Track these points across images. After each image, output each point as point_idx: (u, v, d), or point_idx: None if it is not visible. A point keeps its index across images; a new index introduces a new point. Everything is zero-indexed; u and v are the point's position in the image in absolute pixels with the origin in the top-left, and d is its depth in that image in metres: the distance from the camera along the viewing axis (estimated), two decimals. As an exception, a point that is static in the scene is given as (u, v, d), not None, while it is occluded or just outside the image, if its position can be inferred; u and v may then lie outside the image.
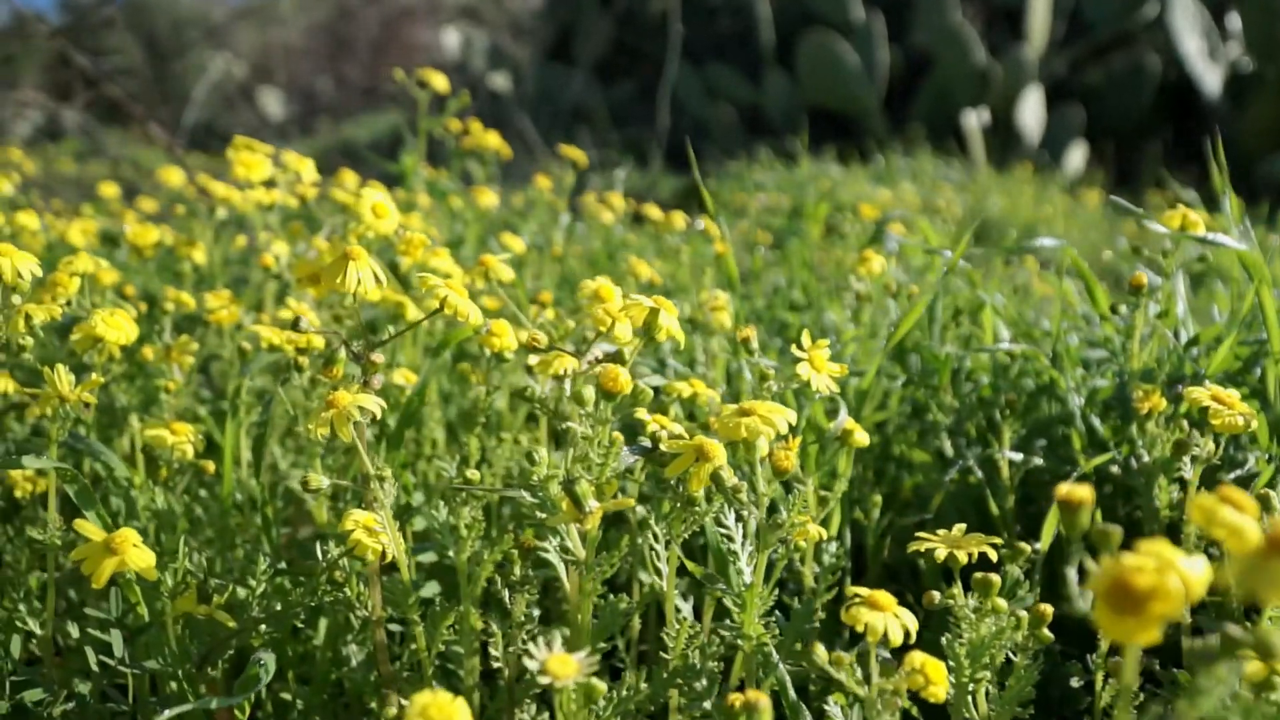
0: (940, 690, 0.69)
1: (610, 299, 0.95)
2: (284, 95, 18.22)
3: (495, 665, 0.93)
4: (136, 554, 0.77)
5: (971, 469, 1.23)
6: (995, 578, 0.78)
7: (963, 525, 0.86)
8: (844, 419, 1.03)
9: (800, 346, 0.95)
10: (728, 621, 0.84)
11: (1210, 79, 8.56)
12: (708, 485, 0.83)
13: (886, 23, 8.20)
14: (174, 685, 0.87)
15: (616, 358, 0.92)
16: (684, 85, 8.46)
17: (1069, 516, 0.55)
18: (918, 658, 0.70)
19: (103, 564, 0.76)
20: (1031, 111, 8.12)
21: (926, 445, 1.36)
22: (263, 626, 0.93)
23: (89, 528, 0.77)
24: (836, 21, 8.10)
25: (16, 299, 0.98)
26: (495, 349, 1.08)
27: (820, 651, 0.70)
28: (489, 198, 2.28)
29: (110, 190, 2.45)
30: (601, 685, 0.71)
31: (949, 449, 1.34)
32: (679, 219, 2.05)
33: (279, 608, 0.93)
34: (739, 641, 0.83)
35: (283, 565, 0.96)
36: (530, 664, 0.63)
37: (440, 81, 2.57)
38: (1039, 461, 1.21)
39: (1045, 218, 5.80)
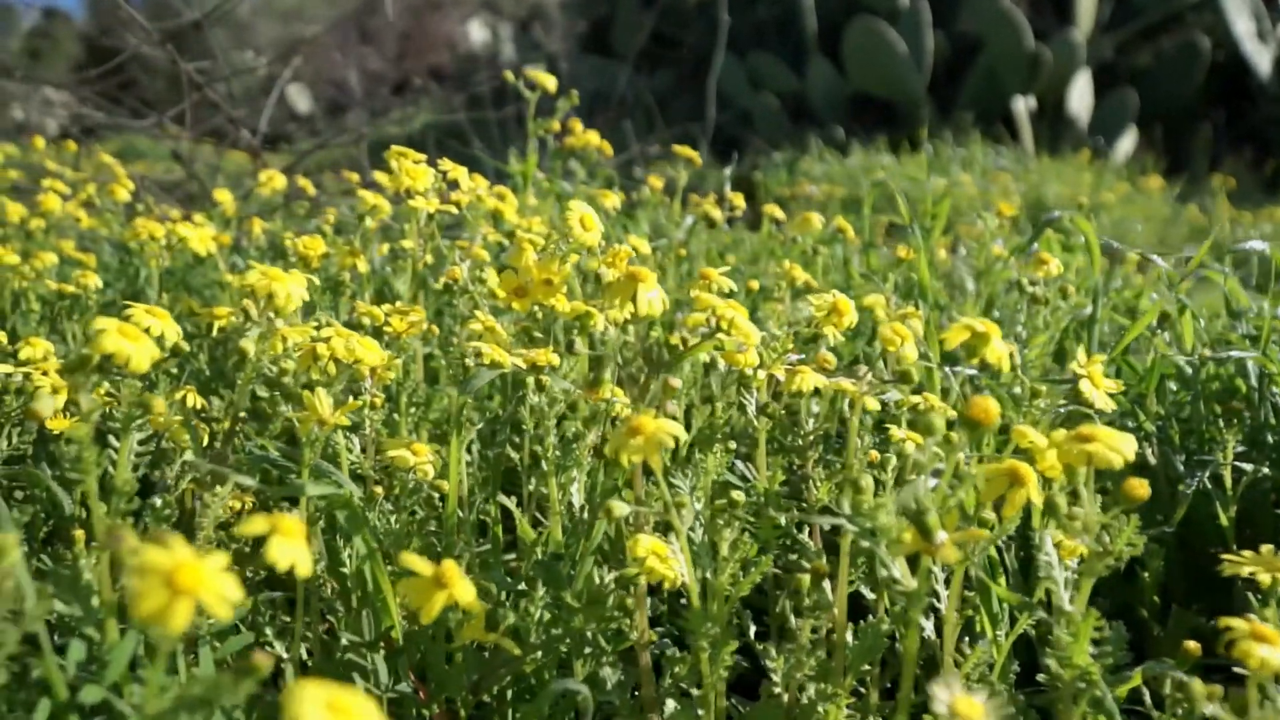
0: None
1: (880, 308, 0.93)
2: (310, 91, 18.25)
3: (775, 690, 0.92)
4: (463, 586, 0.76)
5: (1197, 480, 1.21)
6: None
7: (1270, 545, 0.85)
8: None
9: (1078, 362, 0.93)
10: (1048, 650, 0.82)
11: (1262, 60, 8.46)
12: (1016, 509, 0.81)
13: (931, 8, 8.13)
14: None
15: (905, 378, 0.91)
16: (727, 75, 8.41)
17: None
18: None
19: (433, 598, 0.75)
20: (1081, 96, 8.05)
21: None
22: (538, 653, 0.92)
23: (416, 561, 0.76)
24: (881, 8, 8.04)
25: (280, 322, 0.97)
26: (740, 365, 1.06)
27: (1199, 687, 0.68)
28: (611, 199, 2.27)
29: (224, 196, 2.44)
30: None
31: (1151, 458, 1.32)
32: (815, 220, 2.02)
33: (558, 633, 0.92)
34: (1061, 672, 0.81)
35: (564, 594, 0.95)
36: (938, 707, 0.62)
37: (550, 82, 2.56)
38: (1266, 471, 1.19)
39: (1105, 204, 5.74)
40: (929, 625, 1.09)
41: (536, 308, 1.30)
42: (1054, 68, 7.82)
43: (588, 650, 1.00)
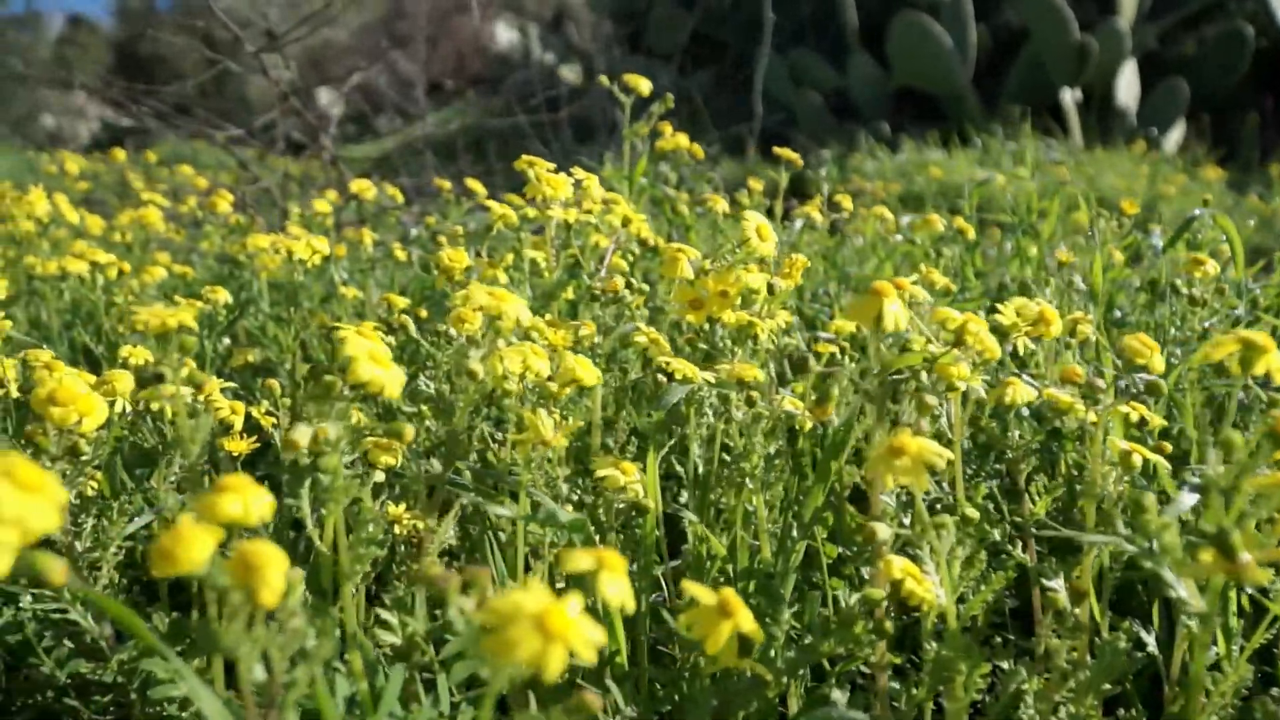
0: None
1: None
2: (340, 94, 18.32)
3: (1031, 714, 0.90)
4: (746, 614, 0.74)
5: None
6: None
7: None
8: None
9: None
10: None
11: (1307, 46, 8.37)
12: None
13: (972, 1, 8.06)
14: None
15: (1154, 390, 0.88)
16: (768, 72, 8.37)
17: None
18: None
19: (719, 626, 0.73)
20: (1128, 86, 7.97)
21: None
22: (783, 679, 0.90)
23: (699, 590, 0.74)
24: (922, 2, 7.99)
25: (501, 343, 0.95)
26: (949, 377, 1.04)
27: None
28: (720, 204, 2.25)
29: (324, 207, 2.44)
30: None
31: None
32: (937, 221, 2.00)
33: (803, 656, 0.90)
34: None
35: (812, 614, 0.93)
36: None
37: (644, 86, 2.54)
38: None
39: (1165, 196, 5.67)
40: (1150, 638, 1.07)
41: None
42: (1100, 58, 7.75)
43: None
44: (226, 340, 1.79)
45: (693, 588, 0.75)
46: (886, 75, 8.25)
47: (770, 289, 1.29)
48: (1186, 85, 7.77)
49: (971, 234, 2.06)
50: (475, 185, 2.65)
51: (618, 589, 0.64)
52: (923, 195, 5.71)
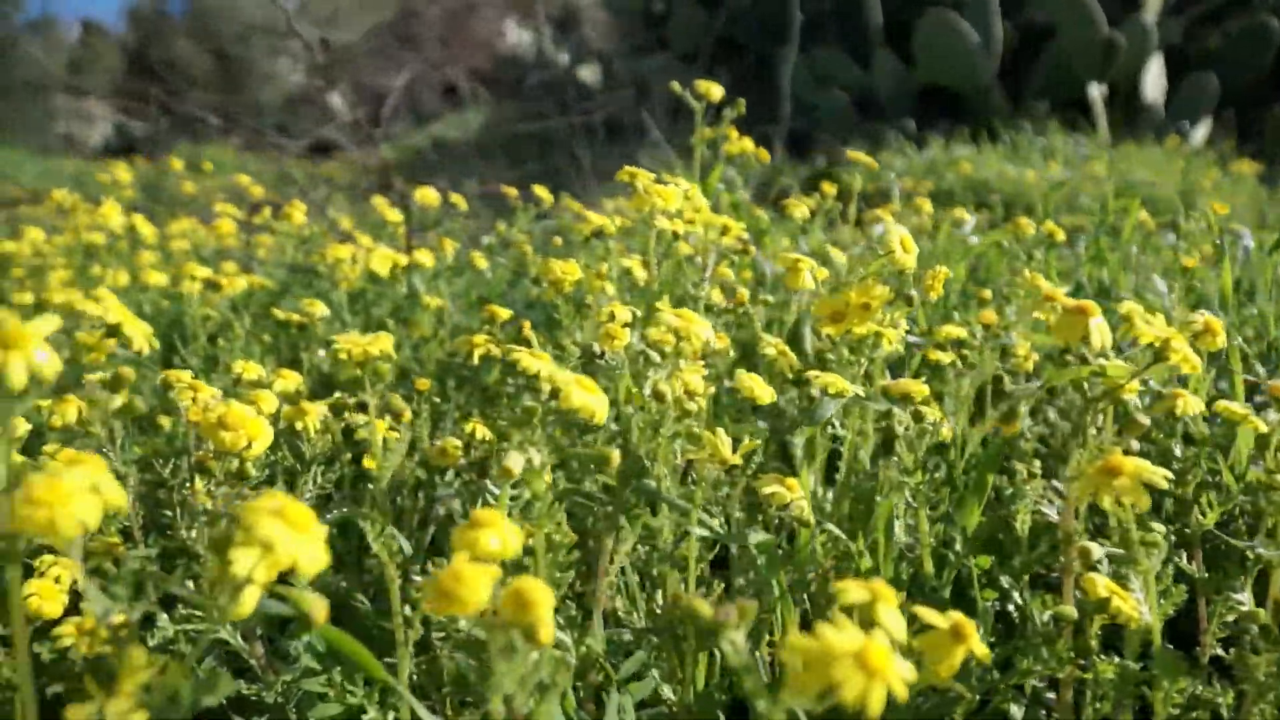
0: None
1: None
2: (353, 96, 18.29)
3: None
4: (976, 638, 0.74)
5: None
6: None
7: None
8: None
9: None
10: None
11: (1331, 38, 8.33)
12: None
13: (995, -3, 8.04)
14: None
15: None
16: (782, 71, 8.36)
17: None
18: None
19: (953, 651, 0.73)
20: (1154, 81, 7.94)
21: None
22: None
23: (931, 615, 0.74)
24: (947, -2, 7.97)
25: (681, 364, 0.95)
26: (1126, 391, 1.03)
27: None
28: (801, 209, 2.24)
29: (394, 216, 2.44)
30: None
31: None
32: (1027, 224, 1.98)
33: (1007, 674, 0.89)
34: None
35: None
36: None
37: (716, 91, 2.53)
38: None
39: (1202, 190, 5.65)
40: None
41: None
42: (1128, 53, 7.73)
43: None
44: (322, 352, 1.79)
45: (925, 613, 0.75)
46: (910, 73, 8.23)
47: (909, 300, 1.28)
48: (1215, 79, 7.74)
49: (1061, 235, 2.05)
50: (542, 192, 2.65)
51: (895, 619, 0.63)
52: (953, 191, 5.69)
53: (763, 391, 1.00)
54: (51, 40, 20.17)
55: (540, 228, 2.72)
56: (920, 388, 1.07)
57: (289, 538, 0.60)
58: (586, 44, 12.97)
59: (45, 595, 0.91)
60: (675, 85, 2.58)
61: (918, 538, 1.14)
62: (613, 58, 10.96)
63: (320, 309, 1.76)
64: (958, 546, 1.06)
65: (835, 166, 6.77)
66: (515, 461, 0.80)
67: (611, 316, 1.18)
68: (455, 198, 2.76)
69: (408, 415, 0.90)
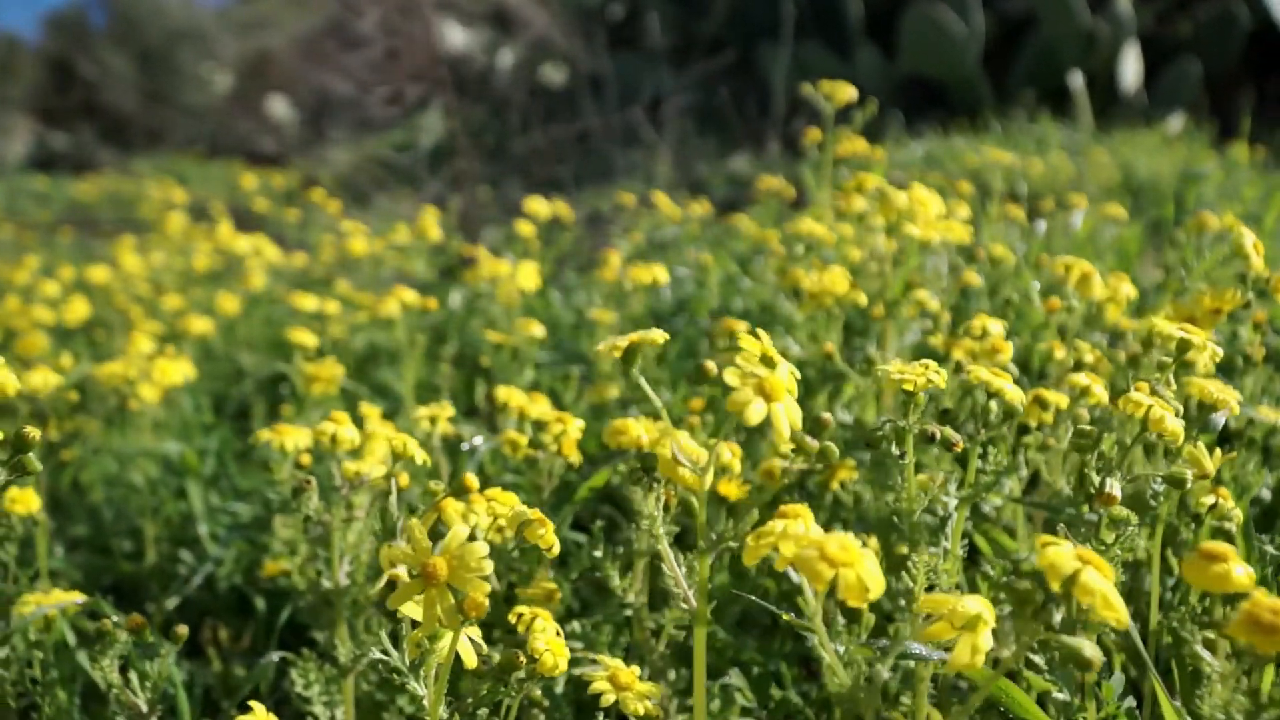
0: None
1: None
2: (292, 101, 17.89)
3: None
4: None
5: None
6: None
7: None
8: None
9: None
10: None
11: (1294, 25, 8.55)
12: None
13: (974, -12, 8.11)
14: None
15: None
16: (775, 66, 8.36)
17: None
18: None
19: None
20: (1132, 69, 8.08)
21: None
22: None
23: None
24: (927, -11, 8.01)
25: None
26: None
27: None
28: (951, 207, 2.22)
29: (527, 229, 2.37)
30: None
31: None
32: (1212, 218, 1.98)
33: None
34: None
35: None
36: None
37: (847, 93, 2.50)
38: None
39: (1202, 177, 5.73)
40: None
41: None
42: (1108, 41, 7.85)
43: None
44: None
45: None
46: (892, 65, 8.28)
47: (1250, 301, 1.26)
48: (1199, 67, 7.90)
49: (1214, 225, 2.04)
50: (663, 200, 2.60)
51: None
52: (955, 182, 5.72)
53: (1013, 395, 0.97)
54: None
55: (664, 236, 2.67)
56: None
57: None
58: (548, 44, 12.84)
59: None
60: (807, 86, 2.55)
61: None
62: (576, 58, 10.86)
63: (538, 330, 1.70)
64: None
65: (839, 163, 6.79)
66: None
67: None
68: (560, 208, 2.69)
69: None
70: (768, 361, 0.69)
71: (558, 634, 0.79)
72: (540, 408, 1.29)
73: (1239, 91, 8.47)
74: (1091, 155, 5.97)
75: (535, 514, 0.67)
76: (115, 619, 0.89)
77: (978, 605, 0.60)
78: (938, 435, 0.83)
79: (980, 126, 7.15)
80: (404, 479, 0.87)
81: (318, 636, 1.13)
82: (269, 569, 1.22)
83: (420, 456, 0.96)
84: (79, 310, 2.11)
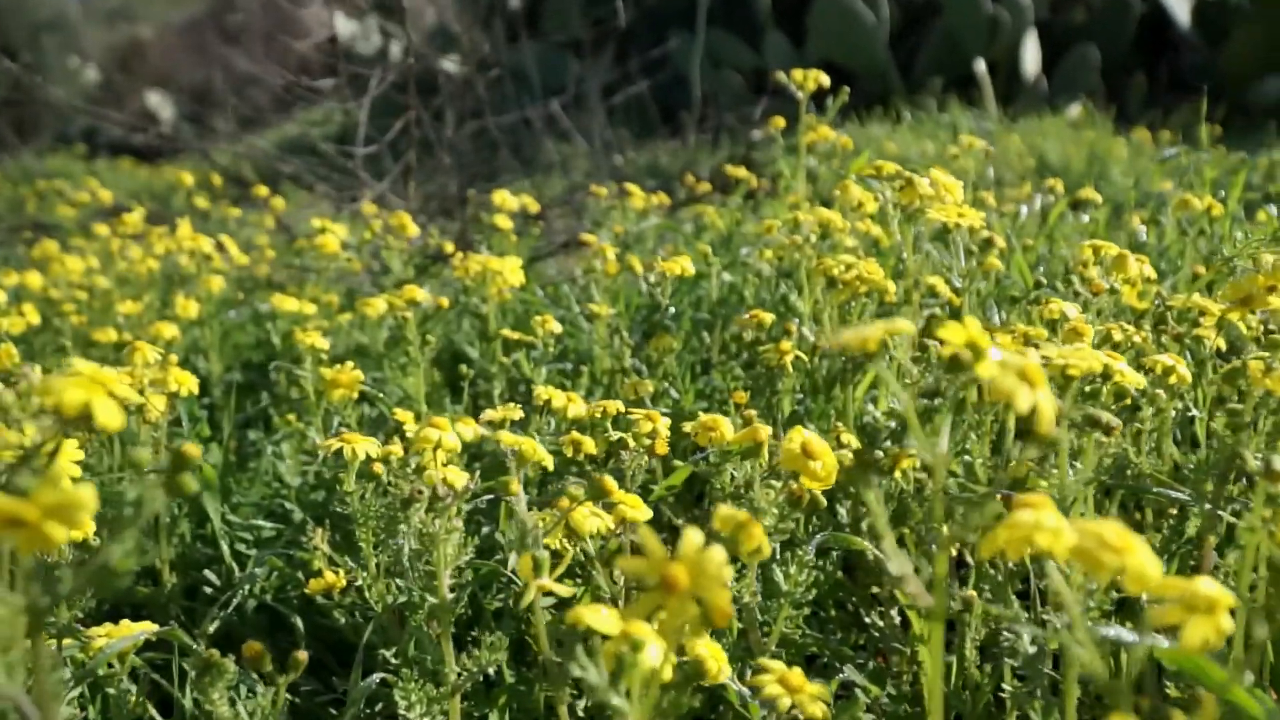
0: None
1: None
2: (171, 96, 17.24)
3: None
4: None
5: None
6: None
7: None
8: None
9: None
10: None
11: (1181, 11, 8.87)
12: None
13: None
14: None
15: None
16: (685, 54, 8.36)
17: None
18: None
19: None
20: (1032, 56, 8.29)
21: None
22: None
23: None
24: (832, -23, 8.10)
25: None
26: None
27: None
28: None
29: (505, 223, 2.29)
30: None
31: None
32: (1196, 201, 2.00)
33: None
34: None
35: None
36: None
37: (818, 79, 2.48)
38: None
39: (1116, 159, 5.91)
40: None
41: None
42: (1010, 29, 8.04)
43: None
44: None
45: None
46: (801, 53, 8.35)
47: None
48: (1096, 53, 8.14)
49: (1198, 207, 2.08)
50: (635, 190, 2.55)
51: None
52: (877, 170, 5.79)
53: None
54: None
55: (649, 227, 2.61)
56: None
57: None
58: (446, 32, 12.63)
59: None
60: (780, 75, 2.52)
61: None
62: (479, 46, 10.68)
63: (553, 325, 1.64)
64: None
65: (754, 151, 6.81)
66: None
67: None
68: (527, 200, 2.61)
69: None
70: (974, 349, 0.65)
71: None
72: (576, 407, 1.24)
73: (1132, 76, 8.77)
74: (1004, 142, 6.10)
75: (744, 515, 0.62)
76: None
77: (1214, 588, 0.58)
78: (1102, 420, 0.80)
79: (892, 114, 7.25)
80: (515, 486, 0.81)
81: (386, 654, 1.07)
82: (314, 585, 1.14)
83: (548, 461, 0.90)
84: (27, 319, 1.96)
